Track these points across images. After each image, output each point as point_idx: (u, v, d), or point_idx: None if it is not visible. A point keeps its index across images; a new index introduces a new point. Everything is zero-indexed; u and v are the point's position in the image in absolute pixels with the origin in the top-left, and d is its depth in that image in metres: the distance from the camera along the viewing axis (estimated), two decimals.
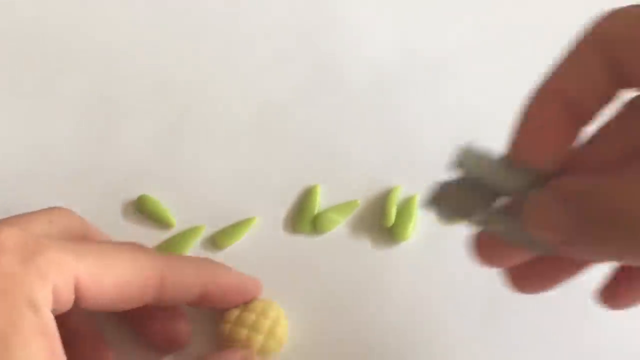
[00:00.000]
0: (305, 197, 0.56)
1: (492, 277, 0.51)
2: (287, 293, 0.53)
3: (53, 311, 0.40)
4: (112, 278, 0.42)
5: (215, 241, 0.55)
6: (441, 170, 0.57)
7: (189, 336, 0.50)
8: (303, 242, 0.55)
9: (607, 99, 0.34)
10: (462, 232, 0.54)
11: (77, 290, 0.41)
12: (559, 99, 0.34)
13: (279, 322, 0.50)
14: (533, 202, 0.34)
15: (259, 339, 0.49)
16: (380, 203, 0.56)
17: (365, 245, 0.55)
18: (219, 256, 0.54)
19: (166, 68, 0.62)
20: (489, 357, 0.51)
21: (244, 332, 0.49)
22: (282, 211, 0.56)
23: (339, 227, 0.55)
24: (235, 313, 0.50)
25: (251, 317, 0.49)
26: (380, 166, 0.58)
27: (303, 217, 0.56)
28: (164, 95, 0.61)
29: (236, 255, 0.54)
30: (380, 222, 0.55)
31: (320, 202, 0.56)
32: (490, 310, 0.52)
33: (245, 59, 0.62)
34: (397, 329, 0.52)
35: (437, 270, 0.54)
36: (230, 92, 0.60)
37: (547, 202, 0.33)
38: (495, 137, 0.58)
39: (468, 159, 0.36)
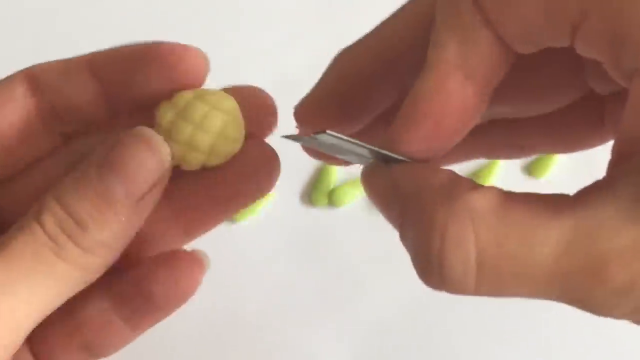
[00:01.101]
0: (322, 172, 0.56)
1: None
2: (304, 265, 0.55)
3: None
4: None
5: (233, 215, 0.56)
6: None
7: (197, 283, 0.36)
8: (319, 215, 0.57)
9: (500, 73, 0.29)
10: None
11: None
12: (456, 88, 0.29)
13: (231, 123, 0.34)
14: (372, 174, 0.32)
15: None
16: None
17: (380, 218, 0.56)
18: (236, 229, 0.56)
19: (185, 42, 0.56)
20: (503, 327, 0.54)
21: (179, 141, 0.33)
22: (299, 185, 0.57)
23: (355, 201, 0.56)
24: (166, 113, 0.33)
25: (186, 123, 0.33)
26: None
27: (319, 191, 0.56)
28: None
29: (253, 229, 0.56)
30: None
31: (337, 176, 0.56)
32: None
33: (262, 36, 0.60)
34: (411, 302, 0.55)
35: None
36: (247, 68, 0.58)
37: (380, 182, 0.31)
38: None
39: (325, 143, 0.31)
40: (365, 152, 0.31)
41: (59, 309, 0.32)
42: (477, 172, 0.57)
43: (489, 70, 0.28)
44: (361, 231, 0.56)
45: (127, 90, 0.35)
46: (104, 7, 0.62)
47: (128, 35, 0.60)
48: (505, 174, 0.56)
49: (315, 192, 0.56)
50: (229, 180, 0.35)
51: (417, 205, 0.28)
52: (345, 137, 0.30)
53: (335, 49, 0.59)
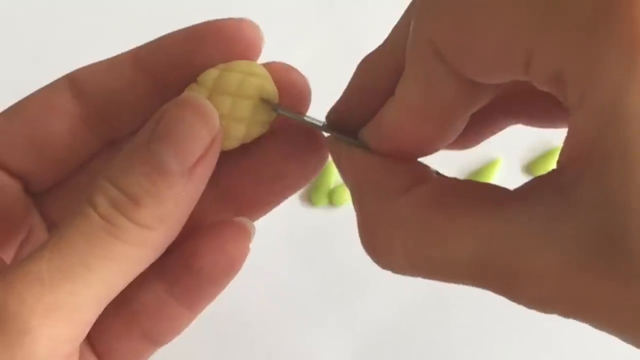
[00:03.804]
0: (322, 171, 0.55)
1: None
2: (304, 265, 0.56)
3: None
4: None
5: None
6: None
7: (245, 250, 0.36)
8: (319, 215, 0.57)
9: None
10: None
11: None
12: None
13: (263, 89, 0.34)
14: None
15: (239, 128, 0.34)
16: None
17: None
18: None
19: None
20: (503, 327, 0.55)
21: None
22: None
23: None
24: (198, 93, 0.33)
25: (225, 98, 0.34)
26: None
27: (319, 191, 0.56)
28: None
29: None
30: None
31: (337, 176, 0.56)
32: None
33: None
34: (411, 302, 0.55)
35: None
36: None
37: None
38: None
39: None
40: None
41: (113, 299, 0.32)
42: (477, 172, 0.57)
43: (452, 108, 0.29)
44: None
45: (180, 77, 0.34)
46: (103, 6, 0.62)
47: (127, 35, 0.61)
48: (505, 174, 0.56)
49: (315, 192, 0.56)
50: (272, 160, 0.35)
51: (355, 199, 0.31)
52: (293, 116, 0.34)
53: (335, 49, 0.59)
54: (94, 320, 0.31)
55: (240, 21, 0.35)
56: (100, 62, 0.35)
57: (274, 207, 0.37)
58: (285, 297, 0.56)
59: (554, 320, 0.49)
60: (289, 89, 0.34)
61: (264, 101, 0.34)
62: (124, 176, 0.30)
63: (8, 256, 0.35)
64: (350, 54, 0.59)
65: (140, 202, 0.30)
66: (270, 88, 0.34)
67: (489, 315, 0.55)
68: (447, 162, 0.56)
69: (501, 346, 0.54)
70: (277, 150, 0.35)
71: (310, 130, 0.35)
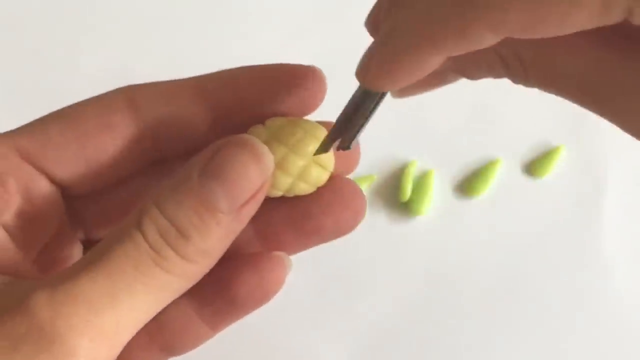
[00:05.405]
0: None
1: (506, 251, 0.55)
2: (304, 266, 0.55)
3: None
4: (69, 134, 0.34)
5: None
6: (457, 145, 0.56)
7: (281, 284, 0.37)
8: None
9: None
10: (477, 207, 0.56)
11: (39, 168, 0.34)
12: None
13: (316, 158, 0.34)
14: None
15: (286, 181, 0.34)
16: (396, 178, 0.57)
17: (381, 219, 0.56)
18: None
19: (185, 43, 0.60)
20: (503, 328, 0.54)
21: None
22: None
23: None
24: (259, 134, 0.34)
25: (281, 148, 0.34)
26: (396, 141, 0.57)
27: None
28: (182, 71, 0.55)
29: None
30: (396, 196, 0.56)
31: None
32: (504, 283, 0.55)
33: (262, 34, 0.60)
34: (411, 302, 0.55)
35: (452, 245, 0.56)
36: None
37: None
38: (508, 111, 0.57)
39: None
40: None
41: None
42: (477, 172, 0.57)
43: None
44: (362, 231, 0.56)
45: (242, 114, 0.35)
46: (106, 6, 0.62)
47: (128, 35, 0.61)
48: (505, 174, 0.56)
49: None
50: (312, 213, 0.35)
51: None
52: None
53: (335, 49, 0.59)
54: (125, 344, 0.32)
55: (311, 70, 0.35)
56: (162, 85, 0.35)
57: (305, 250, 0.38)
58: (285, 297, 0.55)
59: (554, 324, 0.49)
60: (341, 153, 0.35)
61: (318, 164, 0.34)
62: (174, 207, 0.31)
63: (41, 259, 0.36)
64: (350, 54, 0.59)
65: (188, 236, 0.30)
66: (325, 155, 0.34)
67: (489, 316, 0.54)
68: (447, 162, 0.56)
69: (501, 346, 0.54)
70: (318, 204, 0.35)
71: (355, 188, 0.35)
